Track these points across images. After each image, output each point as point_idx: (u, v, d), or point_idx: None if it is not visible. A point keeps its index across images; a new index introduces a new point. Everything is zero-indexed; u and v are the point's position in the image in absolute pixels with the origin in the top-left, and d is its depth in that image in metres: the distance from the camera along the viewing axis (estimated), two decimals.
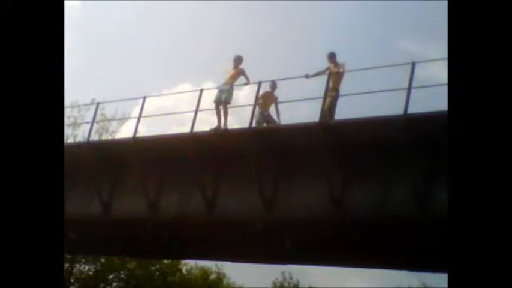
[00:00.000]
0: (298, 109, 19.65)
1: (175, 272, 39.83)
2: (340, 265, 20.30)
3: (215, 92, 17.48)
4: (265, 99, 17.28)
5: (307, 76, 17.02)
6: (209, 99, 17.56)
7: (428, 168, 14.16)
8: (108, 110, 34.29)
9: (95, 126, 29.76)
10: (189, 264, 41.42)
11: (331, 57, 16.89)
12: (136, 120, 18.86)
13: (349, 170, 15.16)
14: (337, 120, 15.85)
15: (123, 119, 34.36)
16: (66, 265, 34.73)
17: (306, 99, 16.86)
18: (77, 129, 34.05)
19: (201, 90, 17.93)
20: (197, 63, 76.05)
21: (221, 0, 65.34)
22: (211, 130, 17.15)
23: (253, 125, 16.64)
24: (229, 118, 17.06)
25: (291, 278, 43.90)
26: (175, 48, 76.90)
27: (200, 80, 73.80)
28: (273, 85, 17.50)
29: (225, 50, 63.97)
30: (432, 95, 15.13)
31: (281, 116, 17.41)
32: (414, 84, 14.54)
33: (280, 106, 17.50)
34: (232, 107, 17.36)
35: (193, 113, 17.47)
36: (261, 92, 17.09)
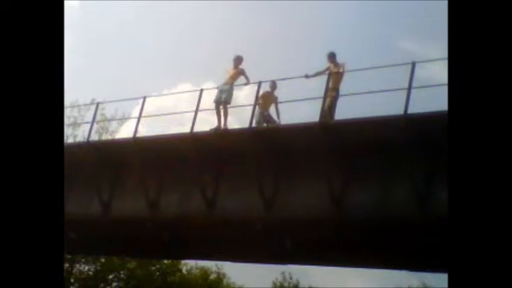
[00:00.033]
0: (298, 109, 19.69)
1: (175, 272, 39.84)
2: (340, 265, 20.31)
3: (215, 92, 17.48)
4: (265, 99, 17.28)
5: (307, 76, 17.02)
6: (209, 99, 17.58)
7: (428, 168, 14.17)
8: (108, 110, 34.33)
9: (95, 126, 29.77)
10: (189, 264, 41.48)
11: (331, 57, 16.89)
12: (136, 120, 18.87)
13: (349, 170, 15.16)
14: (337, 120, 15.85)
15: (123, 119, 34.39)
16: (66, 265, 34.73)
17: (306, 99, 16.87)
18: (77, 129, 34.08)
19: (201, 90, 17.93)
20: (197, 63, 76.15)
21: (221, 0, 65.37)
22: (211, 130, 17.15)
23: (253, 125, 16.64)
24: (229, 118, 17.09)
25: (291, 278, 43.94)
26: (175, 48, 76.98)
27: (200, 80, 73.85)
28: (273, 85, 17.50)
29: (225, 50, 64.05)
30: (432, 95, 15.14)
31: (281, 116, 17.43)
32: (414, 84, 14.55)
33: (280, 106, 17.51)
34: (232, 107, 17.37)
35: (193, 113, 17.47)
36: (261, 92, 17.09)
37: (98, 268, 37.77)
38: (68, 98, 27.39)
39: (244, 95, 23.76)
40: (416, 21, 64.94)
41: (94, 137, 28.39)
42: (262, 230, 16.61)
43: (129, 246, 22.06)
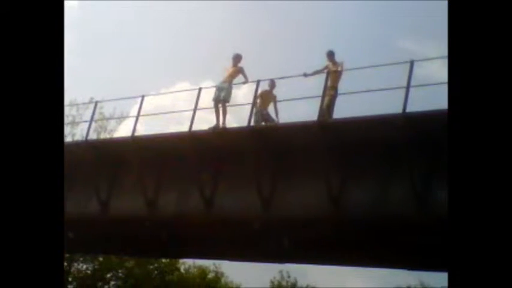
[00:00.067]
0: (297, 108, 19.67)
1: (174, 271, 39.85)
2: (339, 264, 20.31)
3: (214, 90, 17.47)
4: (264, 98, 17.29)
5: (305, 75, 17.01)
6: (208, 97, 17.57)
7: (427, 167, 14.18)
8: (107, 109, 34.25)
9: (93, 125, 29.86)
10: (187, 263, 41.47)
11: (330, 55, 16.89)
12: (134, 119, 18.85)
13: (348, 168, 15.17)
14: (336, 119, 15.87)
15: (122, 118, 34.29)
16: (64, 264, 34.69)
17: (305, 98, 16.89)
18: (75, 128, 34.15)
19: (200, 89, 17.94)
20: (195, 62, 76.12)
21: (219, 0, 65.31)
22: (209, 129, 17.16)
23: (252, 123, 16.65)
24: (227, 117, 17.08)
25: (289, 277, 43.97)
26: (174, 47, 76.93)
27: (198, 78, 73.74)
28: (272, 84, 17.50)
29: (223, 49, 63.91)
30: (430, 94, 15.17)
31: (280, 115, 17.44)
32: (413, 83, 14.56)
33: (278, 105, 17.51)
34: (231, 105, 17.36)
35: (191, 112, 17.46)
36: (259, 91, 17.08)
37: (96, 267, 37.77)
38: (67, 96, 27.29)
39: (242, 94, 23.79)
40: (414, 20, 65.04)
41: (92, 136, 28.40)
42: (260, 229, 16.61)
43: (127, 245, 22.06)
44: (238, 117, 19.13)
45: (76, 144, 22.27)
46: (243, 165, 16.56)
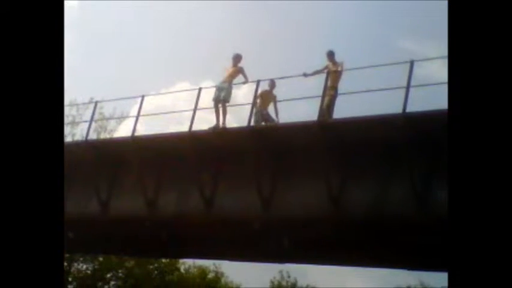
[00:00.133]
0: (297, 108, 19.68)
1: (174, 271, 39.85)
2: (339, 264, 20.31)
3: (214, 90, 17.47)
4: (264, 98, 17.29)
5: (305, 75, 17.01)
6: (208, 97, 17.57)
7: (427, 167, 14.18)
8: (107, 109, 34.24)
9: (93, 125, 29.86)
10: (187, 263, 41.47)
11: (330, 55, 16.88)
12: (134, 119, 18.85)
13: (348, 168, 15.17)
14: (336, 119, 15.87)
15: (122, 118, 34.31)
16: (64, 264, 34.69)
17: (305, 98, 16.90)
18: (75, 128, 34.17)
19: (200, 89, 17.94)
20: (195, 62, 76.12)
21: (219, 0, 65.31)
22: (209, 129, 17.16)
23: (252, 123, 16.65)
24: (227, 117, 17.08)
25: (289, 277, 43.97)
26: (174, 47, 76.92)
27: (198, 78, 73.73)
28: (272, 84, 17.50)
29: (223, 49, 63.88)
30: (430, 94, 15.17)
31: (280, 115, 17.43)
32: (412, 83, 14.56)
33: (278, 105, 17.51)
34: (230, 105, 17.35)
35: (191, 112, 17.47)
36: (259, 91, 17.08)
37: (96, 267, 37.77)
38: (67, 96, 27.26)
39: (242, 94, 23.80)
40: (414, 20, 65.03)
41: (92, 136, 28.40)
42: (260, 229, 16.61)
43: (127, 245, 22.06)
44: (238, 117, 19.14)
45: (76, 144, 22.27)
46: (243, 165, 16.56)
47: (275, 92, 17.54)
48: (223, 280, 43.12)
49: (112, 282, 38.76)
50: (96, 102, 23.25)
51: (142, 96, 19.04)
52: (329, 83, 16.18)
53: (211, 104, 17.32)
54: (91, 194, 18.90)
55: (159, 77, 73.22)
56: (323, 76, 16.38)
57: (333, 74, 16.43)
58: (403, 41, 74.73)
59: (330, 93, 16.09)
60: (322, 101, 15.79)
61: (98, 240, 21.74)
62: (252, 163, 16.30)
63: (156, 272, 39.00)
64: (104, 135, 34.36)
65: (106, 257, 36.58)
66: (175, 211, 17.63)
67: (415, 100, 14.42)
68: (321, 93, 15.91)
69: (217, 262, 40.94)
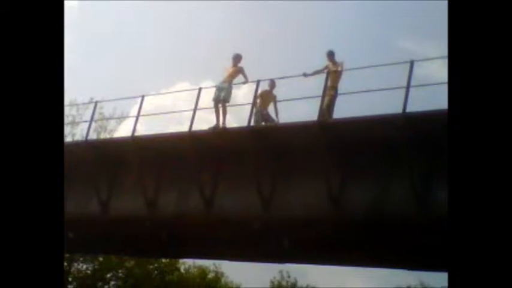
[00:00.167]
0: (297, 108, 19.68)
1: (174, 271, 39.85)
2: (339, 264, 20.31)
3: (214, 90, 17.47)
4: (264, 98, 17.29)
5: (305, 75, 17.01)
6: (208, 97, 17.57)
7: (427, 167, 14.18)
8: (107, 109, 34.23)
9: (93, 125, 29.86)
10: (187, 263, 41.46)
11: (330, 55, 16.88)
12: (134, 119, 18.86)
13: (348, 168, 15.17)
14: (336, 119, 15.87)
15: (122, 118, 34.30)
16: (64, 264, 34.69)
17: (305, 98, 16.90)
18: (75, 128, 34.16)
19: (200, 89, 17.93)
20: (195, 62, 76.12)
21: (219, 0, 65.31)
22: (209, 129, 17.16)
23: (252, 123, 16.65)
24: (227, 117, 17.08)
25: (289, 277, 43.96)
26: (174, 47, 76.92)
27: (198, 78, 73.73)
28: (272, 84, 17.50)
29: (223, 49, 63.85)
30: (430, 94, 15.17)
31: (280, 115, 17.43)
32: (412, 83, 14.56)
33: (278, 105, 17.51)
34: (230, 105, 17.35)
35: (191, 112, 17.47)
36: (259, 91, 17.07)
37: (96, 267, 37.77)
38: (67, 96, 27.26)
39: (242, 94, 23.81)
40: (414, 20, 65.03)
41: (92, 136, 28.38)
42: (260, 229, 16.61)
43: (127, 245, 22.06)
44: (238, 117, 19.14)
45: (76, 144, 22.27)
46: (243, 165, 16.56)
47: (275, 92, 17.54)
48: (223, 280, 43.12)
49: (112, 282, 38.76)
50: (96, 102, 23.28)
51: (142, 96, 19.04)
52: (329, 83, 16.18)
53: (211, 104, 17.32)
54: (91, 194, 18.90)
55: (159, 77, 73.27)
56: (323, 76, 16.38)
57: (333, 74, 16.44)
58: (403, 41, 74.77)
59: (330, 93, 16.09)
60: (322, 101, 15.79)
61: (98, 240, 21.74)
62: (252, 163, 16.30)
63: (156, 272, 39.00)
64: (104, 135, 34.36)
65: (106, 257, 36.57)
66: (175, 211, 17.63)
67: (415, 100, 14.44)
68: (321, 93, 15.91)
69: (217, 262, 40.96)
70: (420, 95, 14.82)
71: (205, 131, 17.26)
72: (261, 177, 16.13)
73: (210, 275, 42.37)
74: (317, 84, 16.27)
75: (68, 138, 30.88)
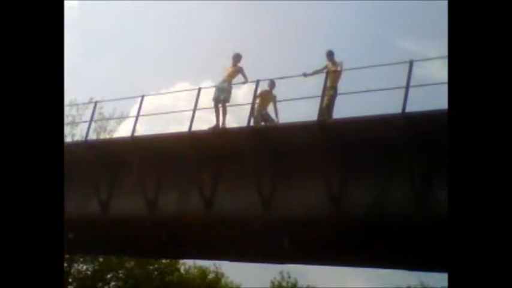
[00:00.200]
0: (297, 108, 19.66)
1: (174, 271, 39.82)
2: (339, 264, 20.30)
3: (213, 90, 17.47)
4: (264, 98, 17.29)
5: (305, 75, 17.01)
6: (207, 97, 17.58)
7: (427, 167, 14.18)
8: (106, 109, 34.19)
9: (93, 125, 29.84)
10: (187, 264, 41.44)
11: (330, 55, 16.89)
12: (134, 119, 18.85)
13: (348, 168, 15.17)
14: (336, 119, 15.87)
15: (121, 118, 34.28)
16: (64, 264, 34.68)
17: (304, 97, 16.89)
18: (75, 128, 34.12)
19: (199, 89, 17.93)
20: (195, 62, 76.11)
21: (219, 0, 65.32)
22: (209, 129, 17.17)
23: (252, 123, 16.65)
24: (227, 117, 17.08)
25: (289, 277, 43.90)
26: (174, 47, 76.93)
27: (198, 78, 73.72)
28: (272, 84, 17.50)
29: (223, 49, 63.97)
30: (430, 94, 15.18)
31: (279, 115, 17.43)
32: (412, 83, 14.57)
33: (278, 105, 17.51)
34: (230, 105, 17.35)
35: (191, 112, 17.47)
36: (259, 91, 17.08)
37: (96, 267, 37.75)
38: (67, 96, 27.23)
39: (242, 94, 23.82)
40: (414, 20, 65.04)
41: (92, 136, 28.40)
42: (260, 229, 16.60)
43: (127, 245, 22.05)
44: (238, 117, 19.14)
45: (76, 145, 22.27)
46: (243, 165, 16.56)
47: (275, 92, 17.54)
48: (223, 281, 43.09)
49: (112, 283, 38.74)
50: (96, 102, 23.26)
51: (142, 96, 19.04)
52: (328, 83, 16.18)
53: (211, 104, 17.33)
54: (91, 194, 18.90)
55: (159, 77, 73.27)
56: (323, 76, 16.38)
57: (333, 74, 16.44)
58: (403, 41, 74.77)
59: (330, 93, 16.09)
60: (322, 101, 15.79)
61: (98, 240, 21.74)
62: (252, 163, 16.30)
63: (156, 272, 38.98)
64: (104, 135, 34.33)
65: (106, 257, 36.55)
66: (176, 211, 17.63)
67: (415, 100, 14.44)
68: (320, 93, 15.91)
69: (217, 262, 40.92)
70: (420, 95, 14.84)
71: (205, 131, 17.27)
72: (261, 177, 16.13)
73: (210, 276, 42.35)
74: (317, 84, 16.30)
75: (68, 139, 30.84)
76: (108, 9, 71.33)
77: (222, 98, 17.06)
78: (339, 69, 16.61)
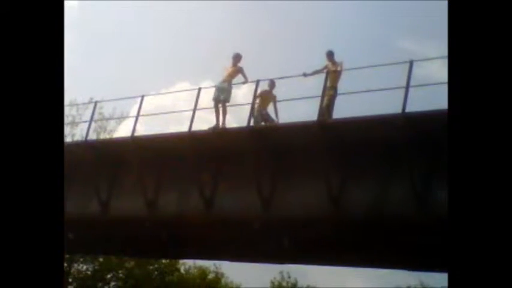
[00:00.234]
0: (297, 108, 19.67)
1: (174, 271, 39.82)
2: (339, 264, 20.30)
3: (213, 90, 17.47)
4: (264, 98, 17.29)
5: (305, 75, 17.02)
6: (207, 97, 17.58)
7: (427, 167, 14.18)
8: (106, 109, 34.20)
9: (93, 125, 29.84)
10: (187, 264, 41.43)
11: (330, 55, 16.89)
12: (134, 119, 18.86)
13: (348, 168, 15.17)
14: (336, 119, 15.87)
15: (121, 118, 34.31)
16: (64, 265, 34.68)
17: (304, 97, 16.89)
18: (75, 128, 34.11)
19: (199, 89, 17.93)
20: (195, 62, 76.07)
21: (219, 0, 65.32)
22: (209, 129, 17.17)
23: (252, 123, 16.65)
24: (227, 117, 17.08)
25: (289, 277, 43.89)
26: (174, 47, 76.91)
27: (198, 78, 73.71)
28: (271, 84, 17.50)
29: (223, 49, 63.93)
30: (430, 94, 15.18)
31: (279, 115, 17.43)
32: (412, 83, 14.57)
33: (278, 105, 17.51)
34: (230, 105, 17.36)
35: (191, 112, 17.47)
36: (259, 91, 17.08)
37: (96, 267, 37.75)
38: (66, 96, 27.19)
39: (242, 94, 23.83)
40: (414, 20, 65.04)
41: (92, 136, 28.40)
42: (260, 229, 16.61)
43: (127, 245, 22.06)
44: (238, 117, 19.14)
45: (76, 145, 22.27)
46: (243, 165, 16.56)
47: (275, 92, 17.54)
48: (223, 281, 43.09)
49: (112, 283, 38.74)
50: (96, 102, 23.27)
51: (142, 96, 19.04)
52: (328, 83, 16.18)
53: (211, 104, 17.33)
54: (91, 194, 18.90)
55: (159, 77, 73.26)
56: (323, 76, 16.39)
57: (333, 74, 16.44)
58: (403, 41, 74.75)
59: (330, 93, 16.09)
60: (322, 101, 15.79)
61: (98, 240, 21.75)
62: (252, 163, 16.30)
63: (156, 272, 38.98)
64: (104, 136, 34.34)
65: (106, 257, 36.55)
66: (176, 211, 17.63)
67: (414, 100, 14.44)
68: (320, 93, 15.91)
69: (217, 262, 40.93)
70: (420, 95, 14.84)
71: (205, 131, 17.27)
72: (261, 177, 16.13)
73: (210, 276, 42.34)
74: (317, 84, 16.30)
75: (67, 139, 30.82)
76: (108, 9, 71.36)
77: (222, 98, 17.07)
78: (339, 69, 16.61)
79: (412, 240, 15.60)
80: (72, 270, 37.14)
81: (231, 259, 22.62)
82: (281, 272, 43.59)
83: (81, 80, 58.97)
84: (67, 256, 34.01)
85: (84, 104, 32.47)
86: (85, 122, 26.91)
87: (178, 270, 40.45)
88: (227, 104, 17.11)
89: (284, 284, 43.96)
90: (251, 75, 17.47)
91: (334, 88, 16.36)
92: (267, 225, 16.49)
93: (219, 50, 65.23)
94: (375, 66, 15.90)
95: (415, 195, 14.17)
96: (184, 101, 22.65)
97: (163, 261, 38.07)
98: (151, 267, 38.71)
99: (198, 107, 17.53)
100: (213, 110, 17.22)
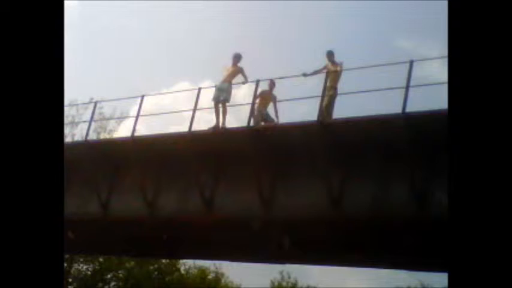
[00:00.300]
0: (297, 108, 19.69)
1: (174, 271, 39.87)
2: (339, 264, 20.31)
3: (214, 90, 17.46)
4: (264, 98, 17.29)
5: (305, 75, 17.02)
6: (208, 97, 17.58)
7: (427, 167, 14.17)
8: (107, 109, 34.26)
9: (93, 125, 29.85)
10: (187, 264, 41.49)
11: (329, 55, 16.89)
12: (134, 119, 18.85)
13: (348, 169, 15.16)
14: (336, 119, 15.87)
15: (121, 118, 34.35)
16: (65, 265, 34.70)
17: (304, 98, 16.89)
18: (75, 128, 34.17)
19: (199, 89, 17.93)
20: (195, 62, 76.14)
21: (220, 0, 65.33)
22: (209, 129, 17.16)
23: (252, 123, 16.64)
24: (227, 117, 17.08)
25: (289, 277, 43.98)
26: (174, 47, 76.96)
27: (198, 78, 73.85)
28: (271, 84, 17.50)
29: (223, 49, 63.93)
30: (430, 94, 15.18)
31: (280, 115, 17.42)
32: (412, 82, 14.56)
33: (278, 105, 17.50)
34: (230, 105, 17.36)
35: (191, 112, 17.46)
36: (259, 91, 17.08)
37: (96, 268, 37.78)
38: (66, 96, 27.05)
39: (242, 94, 23.78)
40: (414, 20, 65.07)
41: (92, 136, 28.44)
42: (260, 229, 16.60)
43: (127, 245, 22.04)
44: (238, 117, 19.16)
45: (76, 145, 22.26)
46: (243, 165, 16.54)
47: (275, 92, 17.53)
48: (223, 281, 43.13)
49: (112, 283, 38.79)
50: (96, 102, 23.28)
51: (142, 96, 19.03)
52: (328, 83, 16.18)
53: (211, 104, 17.32)
54: (91, 194, 18.89)
55: (159, 77, 73.29)
56: (323, 76, 16.39)
57: (333, 74, 16.44)
58: (403, 41, 74.77)
59: (330, 93, 16.09)
60: (322, 101, 15.79)
61: (98, 240, 21.73)
62: (252, 163, 16.30)
63: (156, 272, 39.02)
64: (104, 136, 34.40)
65: (106, 257, 36.57)
66: (176, 211, 17.61)
67: (414, 100, 14.44)
68: (320, 93, 15.91)
69: (217, 262, 41.00)
70: (420, 95, 14.83)
71: (205, 131, 17.26)
72: (261, 177, 16.13)
73: (210, 276, 42.39)
74: (317, 84, 16.30)
75: (68, 139, 30.84)
76: (108, 9, 71.42)
77: (222, 98, 17.07)
78: (338, 69, 16.61)
79: (412, 240, 15.58)
80: (73, 270, 37.18)
81: (231, 259, 22.63)
82: (281, 272, 43.71)
83: (81, 79, 59.03)
84: (67, 256, 34.04)
85: (84, 104, 32.55)
86: (85, 122, 26.94)
87: (178, 270, 40.49)
88: (227, 104, 17.11)
89: (284, 284, 44.00)
90: (251, 75, 17.49)
91: (334, 88, 16.35)
92: (267, 225, 16.48)
93: (219, 50, 65.30)
94: (375, 66, 15.90)
95: (415, 195, 14.16)
96: (185, 101, 22.67)
97: (163, 261, 38.10)
98: (151, 267, 38.75)
99: (198, 107, 17.53)
100: (213, 110, 17.21)
